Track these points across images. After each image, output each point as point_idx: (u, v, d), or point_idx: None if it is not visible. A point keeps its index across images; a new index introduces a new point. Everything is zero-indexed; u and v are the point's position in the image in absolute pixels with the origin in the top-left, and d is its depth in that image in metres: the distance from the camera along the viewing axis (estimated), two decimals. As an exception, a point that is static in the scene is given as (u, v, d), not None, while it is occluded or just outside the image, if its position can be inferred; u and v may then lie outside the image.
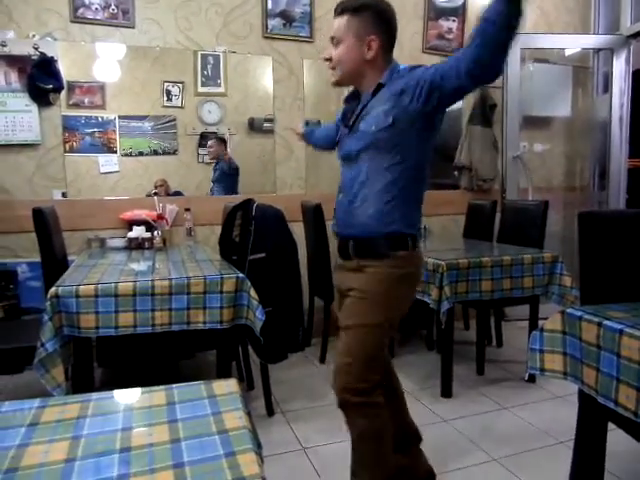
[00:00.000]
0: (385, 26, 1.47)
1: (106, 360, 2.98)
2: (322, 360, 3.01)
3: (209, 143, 3.29)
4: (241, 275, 2.03)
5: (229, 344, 2.12)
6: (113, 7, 2.86)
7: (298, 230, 3.07)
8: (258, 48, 3.22)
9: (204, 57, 3.16)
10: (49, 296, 1.83)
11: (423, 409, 2.40)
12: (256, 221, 2.29)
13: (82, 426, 0.76)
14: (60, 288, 1.85)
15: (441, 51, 3.59)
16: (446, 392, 2.53)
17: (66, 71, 2.86)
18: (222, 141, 3.30)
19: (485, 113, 3.68)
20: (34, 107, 2.80)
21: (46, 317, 1.81)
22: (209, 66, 3.20)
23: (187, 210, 3.08)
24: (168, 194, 3.23)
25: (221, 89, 3.29)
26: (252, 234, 2.29)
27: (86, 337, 1.92)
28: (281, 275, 2.23)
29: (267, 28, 3.18)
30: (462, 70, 1.22)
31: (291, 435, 2.17)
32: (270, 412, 2.35)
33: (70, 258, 2.69)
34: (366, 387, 1.47)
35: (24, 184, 2.84)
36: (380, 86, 1.46)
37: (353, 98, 1.59)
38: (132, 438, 0.72)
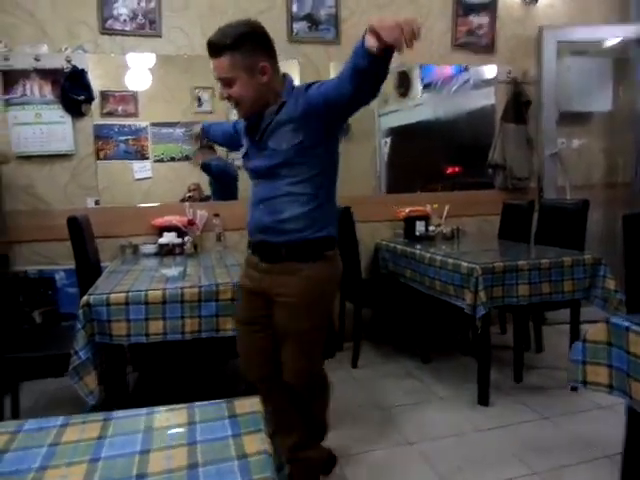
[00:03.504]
0: (266, 45, 1.51)
1: (140, 365, 3.03)
2: (354, 365, 2.96)
3: (195, 151, 3.20)
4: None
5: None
6: (140, 17, 2.90)
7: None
8: (284, 52, 3.19)
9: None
10: (81, 304, 1.86)
11: (458, 417, 2.32)
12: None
13: (101, 447, 0.75)
14: (92, 297, 1.88)
15: (472, 46, 3.48)
16: (483, 400, 2.44)
17: (99, 81, 2.92)
18: (209, 148, 3.16)
19: (519, 110, 3.55)
20: (68, 118, 2.86)
21: (79, 325, 1.84)
22: None
23: (216, 215, 3.09)
24: (201, 199, 3.25)
25: None
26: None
27: (118, 344, 1.95)
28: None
29: (293, 32, 3.16)
30: (345, 91, 1.32)
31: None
32: (300, 419, 2.32)
33: (104, 264, 2.73)
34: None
35: (59, 193, 2.92)
36: (283, 104, 1.50)
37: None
38: (150, 462, 0.70)
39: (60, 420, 0.83)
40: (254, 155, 1.58)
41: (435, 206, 3.32)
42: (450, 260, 2.50)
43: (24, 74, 2.81)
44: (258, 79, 1.46)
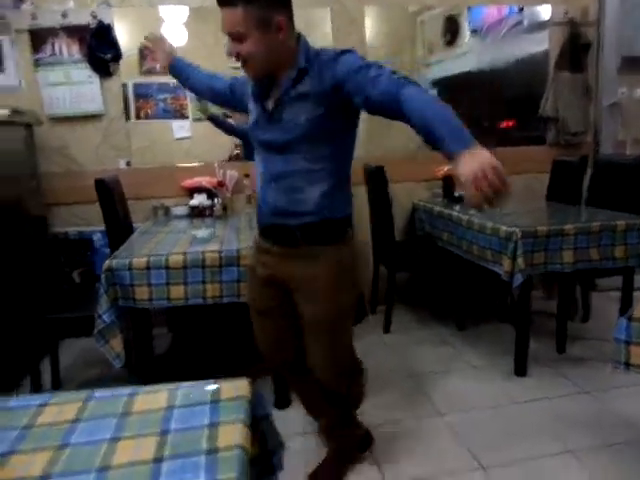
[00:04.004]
0: None
1: (175, 326, 3.10)
2: (387, 330, 2.90)
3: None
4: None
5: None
6: (165, -33, 2.76)
7: (360, 193, 2.92)
8: (314, 0, 3.00)
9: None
10: (104, 269, 1.86)
11: (492, 388, 2.22)
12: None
13: (72, 432, 0.71)
14: (114, 261, 1.87)
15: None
16: (520, 370, 2.32)
17: (136, 38, 2.83)
18: None
19: (576, 55, 3.20)
20: (96, 78, 2.83)
21: (102, 290, 1.85)
22: None
23: (246, 176, 3.02)
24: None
25: None
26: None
27: (142, 308, 1.95)
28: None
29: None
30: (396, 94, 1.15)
31: (348, 410, 2.10)
32: (327, 384, 2.29)
33: (137, 225, 2.75)
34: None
35: (91, 154, 2.92)
36: (303, 72, 1.31)
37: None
38: (116, 453, 0.66)
39: (39, 399, 0.80)
40: (265, 125, 1.38)
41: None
42: (489, 223, 2.33)
43: (52, 32, 2.77)
44: (273, 36, 1.27)
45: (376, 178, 2.74)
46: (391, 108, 1.16)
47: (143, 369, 2.06)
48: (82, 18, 2.76)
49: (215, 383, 0.82)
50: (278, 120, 1.34)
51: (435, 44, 3.27)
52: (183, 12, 2.92)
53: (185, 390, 0.81)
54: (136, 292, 1.89)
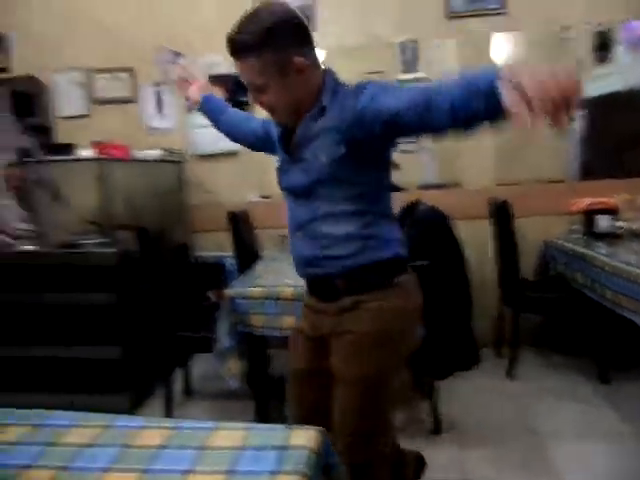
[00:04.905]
0: (301, 34, 1.18)
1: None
2: (510, 375, 2.67)
3: None
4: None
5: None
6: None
7: (484, 228, 2.78)
8: (440, 31, 2.98)
9: (402, 45, 3.04)
10: (224, 296, 2.03)
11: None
12: (419, 224, 2.13)
13: (156, 458, 0.79)
14: (233, 289, 2.04)
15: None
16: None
17: None
18: None
19: None
20: (235, 119, 3.14)
21: (222, 314, 2.02)
22: (407, 51, 3.06)
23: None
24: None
25: (421, 74, 3.11)
26: (415, 238, 2.14)
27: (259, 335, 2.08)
28: (447, 285, 2.03)
29: (450, 6, 2.91)
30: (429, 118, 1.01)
31: (455, 459, 1.98)
32: (437, 430, 2.19)
33: (267, 252, 2.98)
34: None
35: (228, 188, 3.25)
36: (323, 108, 1.20)
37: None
38: (184, 487, 0.71)
39: (137, 421, 0.90)
40: (288, 169, 1.30)
41: (627, 197, 2.75)
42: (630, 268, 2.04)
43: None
44: (294, 79, 1.17)
45: (501, 213, 2.59)
46: (424, 114, 1.01)
47: (258, 389, 2.18)
48: (226, 68, 3.10)
49: (287, 428, 0.85)
50: (299, 160, 1.25)
51: (585, 60, 3.01)
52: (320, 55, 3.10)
53: (258, 432, 0.85)
54: (252, 320, 2.02)
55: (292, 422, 1.40)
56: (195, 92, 1.65)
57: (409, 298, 1.28)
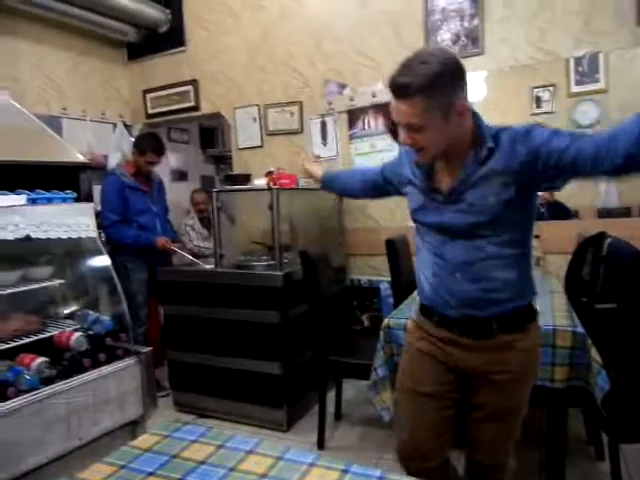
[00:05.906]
0: (463, 79, 1.20)
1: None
2: None
3: None
4: (580, 330, 1.72)
5: (561, 406, 1.82)
6: (463, 39, 2.92)
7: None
8: (632, 40, 2.63)
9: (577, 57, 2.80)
10: (382, 326, 2.03)
11: None
12: (608, 261, 1.88)
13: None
14: (392, 320, 2.03)
15: None
16: None
17: None
18: None
19: None
20: (395, 145, 3.16)
21: (379, 345, 2.02)
22: (584, 62, 2.79)
23: (536, 237, 2.82)
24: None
25: (600, 85, 2.82)
26: (602, 277, 1.89)
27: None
28: (636, 333, 1.76)
29: (646, 12, 2.57)
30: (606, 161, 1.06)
31: None
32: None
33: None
34: None
35: (387, 214, 3.27)
36: (491, 150, 1.22)
37: None
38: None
39: (250, 444, 0.95)
40: (438, 207, 1.31)
41: None
42: None
43: (363, 111, 3.28)
44: (454, 122, 1.20)
45: None
46: (607, 156, 1.06)
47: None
48: (387, 96, 3.15)
49: (385, 472, 0.82)
50: (459, 202, 1.27)
51: None
52: (480, 76, 2.99)
53: (353, 475, 0.84)
54: (408, 351, 1.98)
55: (403, 439, 1.48)
56: (318, 173, 1.88)
57: (540, 335, 1.41)
